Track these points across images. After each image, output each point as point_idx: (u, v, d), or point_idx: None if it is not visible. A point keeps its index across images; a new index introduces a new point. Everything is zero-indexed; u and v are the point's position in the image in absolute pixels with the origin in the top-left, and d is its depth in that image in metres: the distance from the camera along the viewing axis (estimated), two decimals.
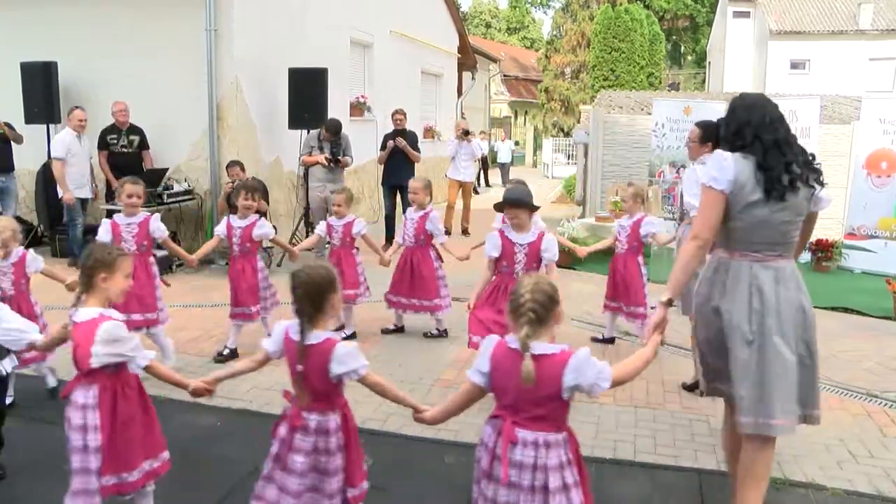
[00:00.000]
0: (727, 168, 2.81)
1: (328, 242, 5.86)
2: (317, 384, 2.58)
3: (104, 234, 4.73)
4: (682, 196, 4.79)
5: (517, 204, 4.34)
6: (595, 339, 5.76)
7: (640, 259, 5.57)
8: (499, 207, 4.49)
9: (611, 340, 5.77)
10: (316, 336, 2.57)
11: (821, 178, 2.97)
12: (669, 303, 2.88)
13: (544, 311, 2.33)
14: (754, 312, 2.80)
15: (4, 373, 3.39)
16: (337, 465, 2.61)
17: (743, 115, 2.94)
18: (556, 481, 2.30)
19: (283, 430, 2.65)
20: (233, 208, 7.88)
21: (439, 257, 5.82)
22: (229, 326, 5.27)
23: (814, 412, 2.92)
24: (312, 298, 2.57)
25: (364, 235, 5.67)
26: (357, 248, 5.79)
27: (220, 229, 5.23)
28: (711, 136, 4.50)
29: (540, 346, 2.32)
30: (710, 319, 2.94)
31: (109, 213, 8.19)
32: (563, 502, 2.31)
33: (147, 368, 2.79)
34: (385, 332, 5.94)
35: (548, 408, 2.33)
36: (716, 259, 2.97)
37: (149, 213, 4.91)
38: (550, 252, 4.40)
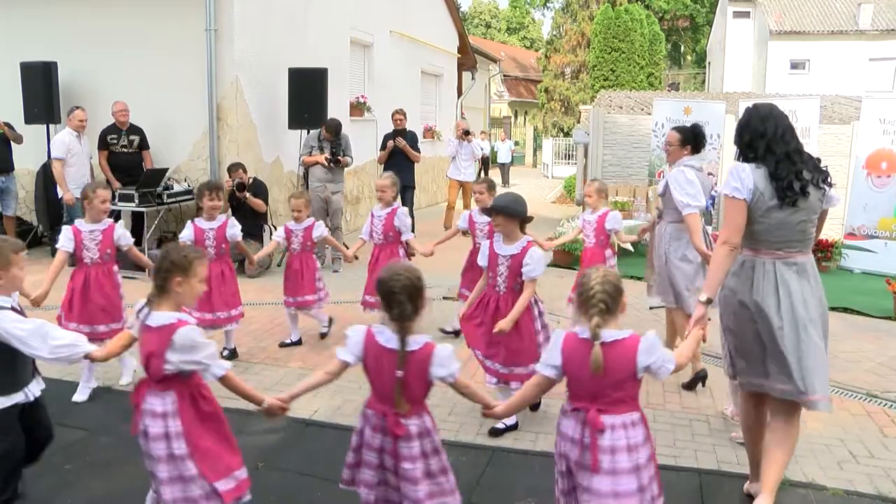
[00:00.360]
0: (746, 179, 3.07)
1: (285, 248, 5.71)
2: (416, 389, 2.54)
3: (66, 241, 4.44)
4: (664, 195, 4.96)
5: (502, 212, 4.00)
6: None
7: (609, 252, 5.67)
8: (488, 213, 4.32)
9: None
10: (416, 341, 2.52)
11: (829, 179, 3.19)
12: (709, 301, 3.12)
13: (612, 301, 2.46)
14: (783, 306, 3.11)
15: (32, 398, 3.08)
16: (444, 463, 2.61)
17: (758, 127, 3.20)
18: (644, 456, 2.47)
19: (376, 441, 2.59)
20: (234, 208, 7.92)
21: (408, 254, 5.79)
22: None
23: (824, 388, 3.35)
24: (414, 301, 2.53)
25: (325, 237, 5.68)
26: (315, 254, 5.76)
27: (185, 235, 4.95)
28: (689, 140, 4.85)
29: (609, 334, 2.44)
30: (736, 310, 3.21)
31: (109, 214, 8.25)
32: (651, 472, 2.49)
33: (223, 379, 2.65)
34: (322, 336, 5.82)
35: (626, 390, 2.48)
36: (742, 257, 3.20)
37: (112, 221, 4.65)
38: (530, 267, 3.94)
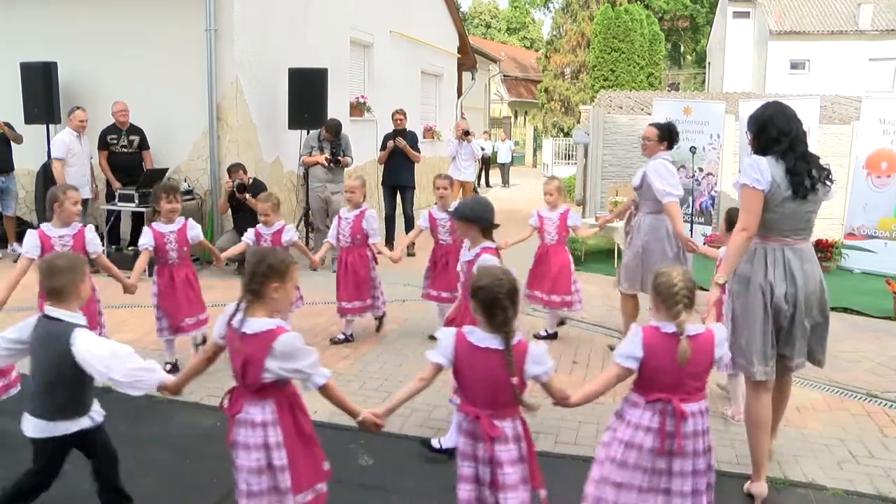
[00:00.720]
0: (766, 171, 3.34)
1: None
2: (507, 389, 2.50)
3: (32, 247, 4.15)
4: (640, 188, 5.20)
5: (457, 217, 3.90)
6: (538, 336, 5.86)
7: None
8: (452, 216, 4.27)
9: (553, 336, 5.94)
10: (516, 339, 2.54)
11: (831, 176, 3.49)
12: (724, 284, 3.45)
13: (693, 296, 2.64)
14: (788, 291, 3.40)
15: (98, 421, 2.91)
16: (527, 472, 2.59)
17: (783, 126, 3.47)
18: (710, 438, 2.73)
19: (469, 449, 2.57)
20: (234, 209, 7.93)
21: (374, 258, 5.74)
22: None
23: (823, 356, 3.77)
24: (515, 304, 2.54)
25: (296, 242, 5.48)
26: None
27: (146, 241, 4.75)
28: (666, 136, 5.21)
29: (691, 328, 2.62)
30: (752, 292, 3.44)
31: (109, 214, 8.25)
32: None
33: (323, 388, 2.58)
34: (335, 342, 5.71)
35: (702, 379, 2.71)
36: (752, 244, 3.44)
37: (83, 225, 4.40)
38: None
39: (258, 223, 5.46)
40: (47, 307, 2.80)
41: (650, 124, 5.44)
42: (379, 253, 5.75)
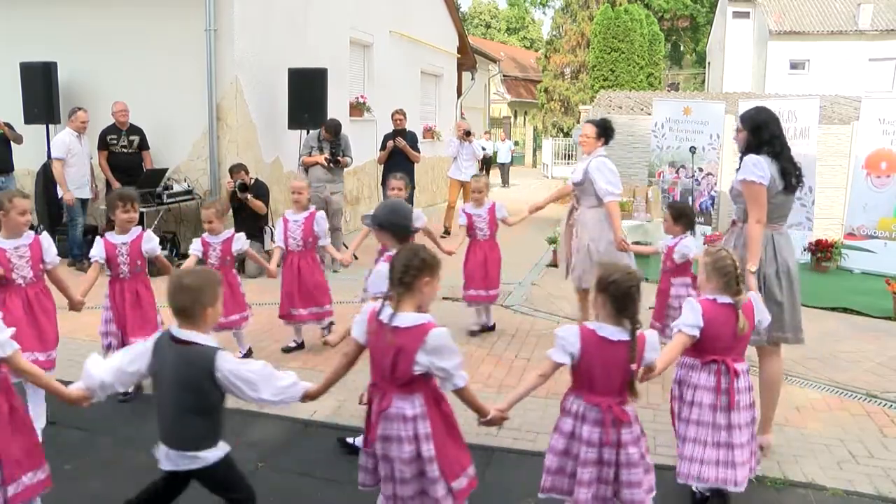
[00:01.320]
0: (766, 168, 3.84)
1: (201, 261, 5.05)
2: (627, 376, 2.73)
3: None
4: (581, 184, 5.42)
5: (374, 225, 3.80)
6: (472, 333, 5.94)
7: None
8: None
9: (492, 328, 6.10)
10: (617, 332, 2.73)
11: (801, 174, 4.05)
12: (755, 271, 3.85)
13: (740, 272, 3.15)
14: (780, 271, 3.89)
15: (218, 458, 2.70)
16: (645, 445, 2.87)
17: (776, 130, 3.98)
18: (753, 395, 3.25)
19: (595, 436, 2.72)
20: (235, 209, 7.92)
21: (321, 261, 5.60)
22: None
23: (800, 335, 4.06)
24: (640, 294, 2.77)
25: (247, 251, 5.20)
26: (235, 271, 5.31)
27: (96, 252, 4.35)
28: (603, 132, 5.46)
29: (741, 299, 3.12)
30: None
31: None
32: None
33: (461, 391, 2.64)
34: (287, 350, 5.49)
35: (746, 342, 3.25)
36: (744, 231, 3.93)
37: (37, 234, 4.03)
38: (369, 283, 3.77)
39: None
40: (174, 328, 2.64)
41: (587, 121, 5.67)
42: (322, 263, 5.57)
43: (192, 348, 2.59)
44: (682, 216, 5.03)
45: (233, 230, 5.19)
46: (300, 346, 5.55)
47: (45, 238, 4.02)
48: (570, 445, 2.79)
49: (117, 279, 4.40)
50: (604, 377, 2.72)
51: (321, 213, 5.47)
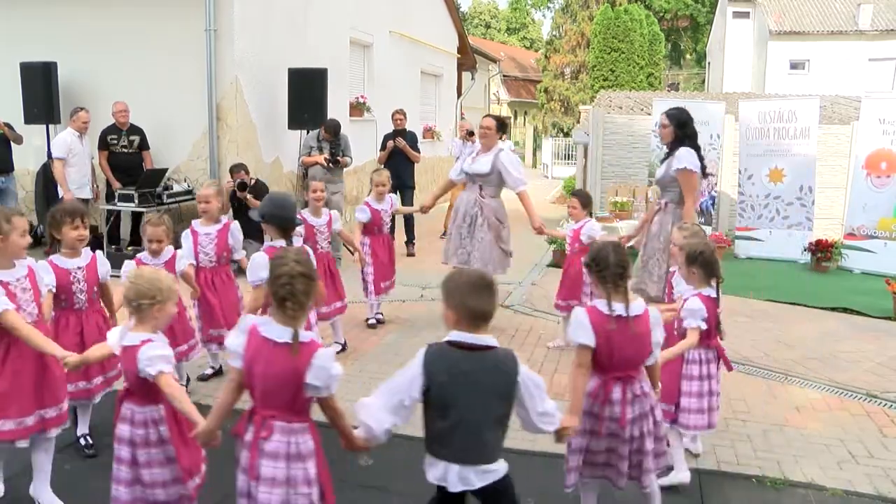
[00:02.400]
0: (696, 159, 4.86)
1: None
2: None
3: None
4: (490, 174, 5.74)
5: (260, 218, 3.82)
6: (371, 325, 6.15)
7: None
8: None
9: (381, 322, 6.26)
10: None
11: None
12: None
13: None
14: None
15: (507, 468, 2.53)
16: None
17: (694, 126, 5.10)
18: None
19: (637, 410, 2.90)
20: (235, 210, 7.91)
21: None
22: None
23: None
24: None
25: (184, 273, 4.34)
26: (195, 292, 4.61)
27: (49, 280, 3.46)
28: (500, 128, 5.89)
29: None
30: (666, 238, 4.75)
31: (109, 214, 8.25)
32: None
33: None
34: (204, 378, 4.91)
35: None
36: (677, 209, 4.92)
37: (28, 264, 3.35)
38: (249, 271, 3.85)
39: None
40: (457, 333, 2.46)
41: (487, 115, 6.08)
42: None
43: (496, 353, 2.46)
44: (590, 202, 5.74)
45: (174, 250, 4.37)
46: (219, 371, 4.96)
47: (33, 263, 3.41)
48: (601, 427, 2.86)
49: (71, 310, 3.65)
50: (622, 355, 2.84)
51: (236, 224, 4.82)
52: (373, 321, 6.19)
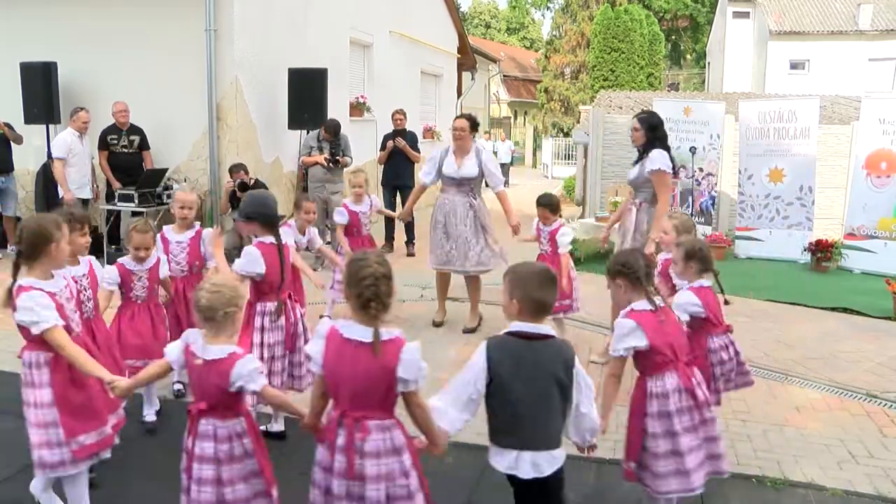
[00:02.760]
0: (669, 160, 5.07)
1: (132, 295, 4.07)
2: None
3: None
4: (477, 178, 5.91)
5: (245, 218, 3.81)
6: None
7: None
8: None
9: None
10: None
11: None
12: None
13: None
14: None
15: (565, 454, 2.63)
16: None
17: (664, 130, 5.26)
18: None
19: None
20: (235, 209, 7.92)
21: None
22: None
23: None
24: None
25: (164, 280, 4.19)
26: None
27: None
28: (474, 126, 5.96)
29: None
30: (643, 232, 5.16)
31: (109, 214, 8.25)
32: None
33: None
34: (179, 395, 4.56)
35: None
36: (650, 207, 5.15)
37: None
38: (237, 264, 3.80)
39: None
40: (518, 323, 2.56)
41: (459, 117, 6.12)
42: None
43: (554, 341, 2.58)
44: (559, 208, 5.66)
45: (158, 254, 4.15)
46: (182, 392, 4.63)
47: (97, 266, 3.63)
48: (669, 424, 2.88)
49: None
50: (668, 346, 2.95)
51: (207, 232, 4.56)
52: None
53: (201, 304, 2.58)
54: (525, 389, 2.49)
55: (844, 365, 5.38)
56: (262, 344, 3.81)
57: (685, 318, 3.42)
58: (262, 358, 3.73)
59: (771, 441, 4.06)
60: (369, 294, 2.39)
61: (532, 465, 2.50)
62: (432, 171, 5.98)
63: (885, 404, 4.65)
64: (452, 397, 2.52)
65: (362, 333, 2.40)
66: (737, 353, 3.66)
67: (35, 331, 2.84)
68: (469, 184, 5.88)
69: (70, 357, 2.86)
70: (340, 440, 2.39)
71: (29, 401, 2.94)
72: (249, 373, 2.54)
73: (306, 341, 3.82)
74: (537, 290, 2.55)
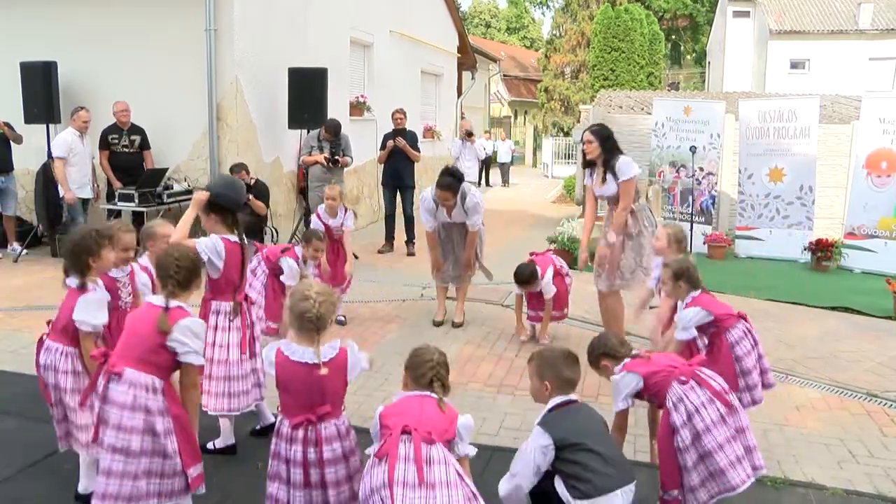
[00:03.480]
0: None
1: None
2: None
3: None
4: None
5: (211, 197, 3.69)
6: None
7: None
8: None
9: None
10: None
11: None
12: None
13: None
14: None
15: None
16: None
17: (615, 139, 5.32)
18: None
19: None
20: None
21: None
22: None
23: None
24: None
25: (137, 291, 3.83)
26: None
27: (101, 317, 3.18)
28: (458, 186, 5.92)
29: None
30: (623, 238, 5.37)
31: (109, 214, 8.25)
32: None
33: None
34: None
35: None
36: (639, 215, 5.33)
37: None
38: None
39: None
40: (557, 398, 2.86)
41: (444, 188, 5.89)
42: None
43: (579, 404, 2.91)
44: (535, 276, 5.65)
45: (136, 262, 3.88)
46: None
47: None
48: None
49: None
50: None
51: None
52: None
53: (312, 313, 2.63)
54: (588, 438, 2.73)
55: (845, 364, 5.38)
56: (214, 344, 3.62)
57: (693, 334, 3.63)
58: (211, 360, 3.58)
59: (771, 440, 4.06)
60: (432, 375, 2.68)
61: (631, 493, 2.74)
62: (431, 219, 6.10)
63: (886, 404, 4.65)
64: (527, 480, 2.76)
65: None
66: (755, 342, 3.68)
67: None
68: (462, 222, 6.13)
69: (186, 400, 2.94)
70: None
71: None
72: (358, 356, 2.76)
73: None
74: (567, 369, 2.85)
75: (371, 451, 2.53)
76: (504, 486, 2.84)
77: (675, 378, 3.01)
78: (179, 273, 2.84)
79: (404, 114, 9.67)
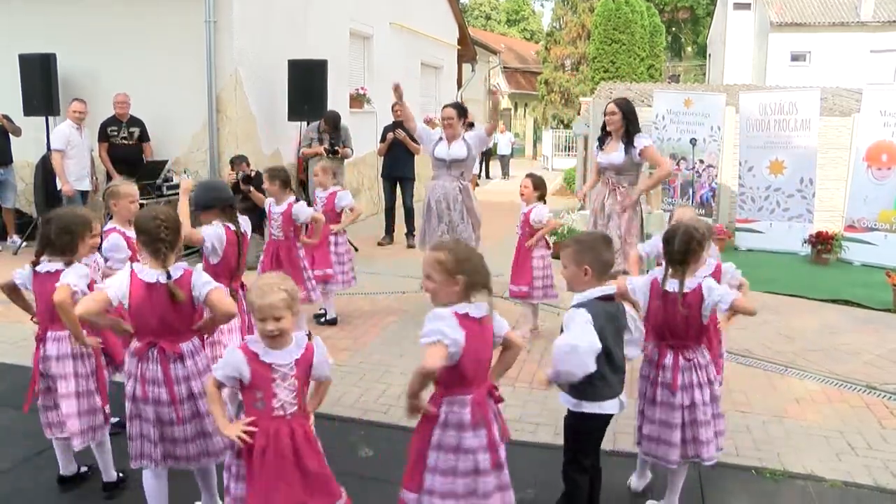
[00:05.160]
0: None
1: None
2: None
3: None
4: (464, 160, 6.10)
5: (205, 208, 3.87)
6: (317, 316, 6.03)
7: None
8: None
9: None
10: None
11: None
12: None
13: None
14: None
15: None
16: None
17: (636, 114, 5.59)
18: None
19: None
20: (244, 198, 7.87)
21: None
22: None
23: None
24: None
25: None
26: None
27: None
28: (462, 113, 6.24)
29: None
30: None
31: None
32: None
33: None
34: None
35: None
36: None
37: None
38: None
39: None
40: (600, 288, 2.78)
41: (447, 106, 6.37)
42: None
43: (615, 303, 2.84)
44: (542, 185, 5.62)
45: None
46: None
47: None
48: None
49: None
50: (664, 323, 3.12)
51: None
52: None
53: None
54: (616, 345, 2.77)
55: (844, 357, 5.38)
56: None
57: (736, 283, 3.68)
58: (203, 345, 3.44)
59: (770, 433, 4.07)
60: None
61: (619, 402, 2.84)
62: (428, 146, 6.26)
63: (885, 396, 4.66)
64: (588, 345, 2.62)
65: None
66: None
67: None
68: (459, 167, 6.08)
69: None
70: None
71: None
72: (323, 350, 2.75)
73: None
74: (606, 251, 2.80)
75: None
76: (559, 350, 2.64)
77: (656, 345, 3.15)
78: (169, 234, 2.81)
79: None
